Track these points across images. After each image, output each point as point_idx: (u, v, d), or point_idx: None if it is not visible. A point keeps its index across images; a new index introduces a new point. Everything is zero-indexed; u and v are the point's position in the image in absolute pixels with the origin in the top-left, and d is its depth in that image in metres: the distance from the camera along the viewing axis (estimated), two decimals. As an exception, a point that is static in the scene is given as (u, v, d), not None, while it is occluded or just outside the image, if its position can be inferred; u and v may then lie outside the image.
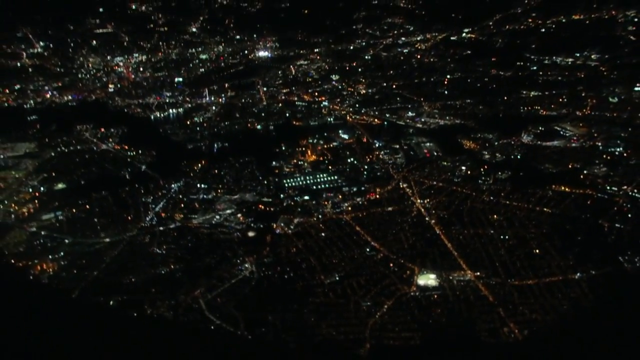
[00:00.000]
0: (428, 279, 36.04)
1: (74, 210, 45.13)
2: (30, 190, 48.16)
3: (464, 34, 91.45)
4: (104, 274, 39.06)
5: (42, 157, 53.62)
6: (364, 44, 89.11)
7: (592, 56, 75.31)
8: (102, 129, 59.62)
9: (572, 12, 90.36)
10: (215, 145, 57.51)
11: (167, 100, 68.33)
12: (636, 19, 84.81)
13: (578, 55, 76.11)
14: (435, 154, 53.46)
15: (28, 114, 63.09)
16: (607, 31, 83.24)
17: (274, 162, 52.87)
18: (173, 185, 48.73)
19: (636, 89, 64.00)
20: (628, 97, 62.81)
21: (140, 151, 55.05)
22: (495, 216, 42.04)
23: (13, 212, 45.13)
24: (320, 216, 44.11)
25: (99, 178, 50.55)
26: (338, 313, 33.84)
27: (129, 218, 44.51)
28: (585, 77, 69.88)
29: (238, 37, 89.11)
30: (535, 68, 74.98)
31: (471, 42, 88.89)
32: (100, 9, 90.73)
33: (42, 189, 48.55)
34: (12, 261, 40.20)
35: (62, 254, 40.67)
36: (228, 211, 45.42)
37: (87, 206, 45.75)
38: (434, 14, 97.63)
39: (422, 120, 61.78)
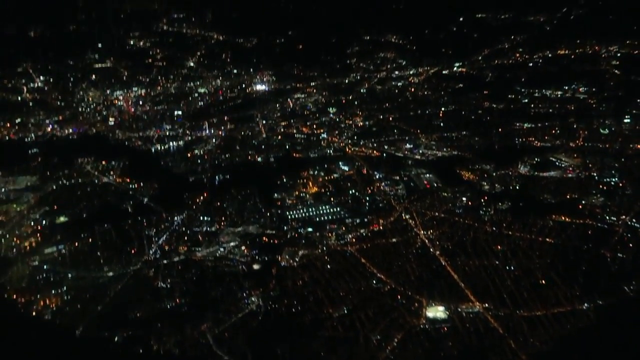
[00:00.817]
0: (437, 311, 36.20)
1: (77, 244, 44.92)
2: (32, 223, 47.82)
3: (455, 68, 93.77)
4: (108, 308, 38.88)
5: (43, 190, 53.25)
6: (358, 77, 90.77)
7: (580, 89, 77.48)
8: (104, 162, 59.51)
9: (556, 47, 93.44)
10: (217, 177, 57.68)
11: (168, 133, 68.62)
12: (619, 54, 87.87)
13: (566, 88, 78.26)
14: (435, 185, 54.21)
15: (29, 147, 62.84)
16: (592, 65, 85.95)
17: (276, 194, 53.10)
18: (176, 218, 48.70)
19: (625, 120, 65.95)
20: (618, 129, 64.55)
21: (142, 184, 54.97)
22: (499, 247, 42.62)
23: (15, 246, 44.75)
24: (324, 248, 44.33)
25: (101, 211, 50.34)
26: (348, 347, 33.87)
27: (132, 251, 44.33)
28: (575, 109, 71.73)
29: (235, 71, 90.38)
30: (526, 101, 76.79)
31: (462, 75, 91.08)
32: (100, 45, 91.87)
33: (44, 222, 48.23)
34: (15, 296, 39.84)
35: (65, 288, 40.44)
36: (232, 244, 45.48)
37: (90, 239, 45.53)
38: (424, 49, 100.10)
39: (420, 151, 62.76)
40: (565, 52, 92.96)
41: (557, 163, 57.45)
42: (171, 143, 66.88)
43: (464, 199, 50.74)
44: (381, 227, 47.05)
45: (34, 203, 50.95)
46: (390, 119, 73.04)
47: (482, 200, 50.14)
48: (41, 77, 79.89)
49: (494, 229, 45.16)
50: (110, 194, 53.88)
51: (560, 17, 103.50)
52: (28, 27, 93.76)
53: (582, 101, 74.40)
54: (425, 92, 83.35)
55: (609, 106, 70.62)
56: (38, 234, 46.42)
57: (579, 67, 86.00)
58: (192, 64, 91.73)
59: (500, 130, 67.19)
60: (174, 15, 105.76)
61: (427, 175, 56.52)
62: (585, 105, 72.68)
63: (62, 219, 49.08)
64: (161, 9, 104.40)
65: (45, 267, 42.49)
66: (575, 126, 66.20)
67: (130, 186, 55.23)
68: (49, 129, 68.03)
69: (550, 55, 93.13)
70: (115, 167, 59.25)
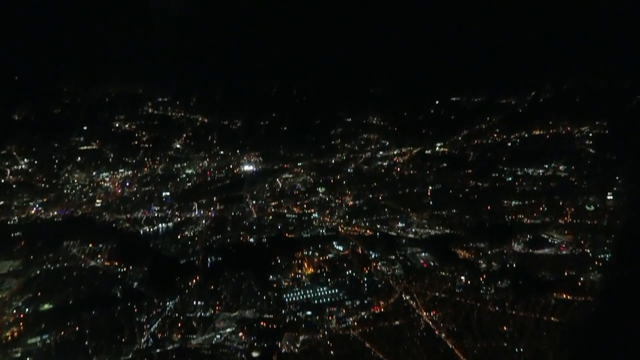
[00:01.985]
0: (452, 398, 34.58)
1: (63, 333, 42.19)
2: (14, 311, 44.99)
3: (437, 148, 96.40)
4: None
5: (27, 275, 50.57)
6: (344, 157, 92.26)
7: (560, 167, 79.97)
8: (91, 245, 57.35)
9: (531, 128, 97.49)
10: (209, 259, 56.16)
11: (156, 215, 67.57)
12: (590, 134, 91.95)
13: (547, 167, 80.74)
14: (432, 264, 53.73)
15: (12, 230, 60.73)
16: (568, 145, 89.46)
17: (271, 276, 51.76)
18: (168, 303, 46.65)
19: (608, 197, 67.68)
20: (602, 206, 66.00)
21: (131, 267, 52.96)
22: (504, 327, 41.64)
23: (-5, 337, 41.90)
24: (326, 332, 42.67)
25: (89, 297, 47.74)
26: None
27: (123, 340, 41.82)
28: (559, 187, 73.51)
29: (222, 152, 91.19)
30: (510, 179, 78.63)
31: (445, 155, 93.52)
32: (85, 127, 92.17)
33: (27, 310, 45.45)
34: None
35: (50, 383, 37.73)
36: (228, 330, 43.44)
37: (77, 328, 42.80)
38: (405, 130, 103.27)
39: (413, 230, 62.85)
40: (540, 132, 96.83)
41: (549, 240, 57.95)
42: (160, 224, 65.60)
43: (462, 277, 50.21)
44: (382, 309, 45.86)
45: (16, 289, 48.15)
46: (380, 198, 73.57)
47: (481, 279, 49.71)
48: (25, 160, 78.93)
49: (497, 308, 44.37)
50: (98, 279, 51.59)
51: (530, 100, 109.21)
52: (12, 110, 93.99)
53: (563, 179, 76.48)
54: (411, 172, 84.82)
55: (590, 184, 72.77)
56: (21, 323, 43.50)
57: (555, 146, 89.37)
58: (178, 146, 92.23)
59: (489, 208, 68.18)
60: (159, 99, 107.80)
61: (423, 254, 56.18)
62: (567, 183, 74.58)
63: (46, 306, 46.42)
64: (146, 93, 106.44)
65: (28, 359, 39.58)
66: (561, 203, 67.59)
67: (119, 270, 53.17)
68: (33, 212, 66.17)
69: (526, 135, 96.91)
70: (103, 250, 57.16)
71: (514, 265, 53.00)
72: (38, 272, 52.10)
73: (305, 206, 71.27)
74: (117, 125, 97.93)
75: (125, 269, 53.16)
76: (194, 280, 50.70)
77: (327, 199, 73.99)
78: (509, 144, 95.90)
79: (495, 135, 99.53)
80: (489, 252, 55.62)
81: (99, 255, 55.97)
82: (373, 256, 56.01)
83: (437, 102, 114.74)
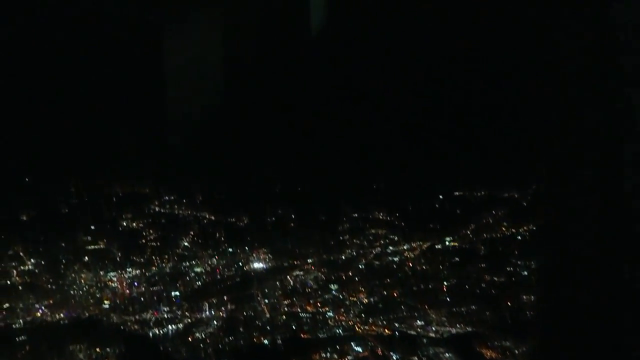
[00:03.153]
0: None
1: None
2: None
3: (447, 242, 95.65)
4: None
5: (30, 384, 48.09)
6: (354, 253, 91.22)
7: (573, 259, 78.90)
8: (98, 349, 54.80)
9: (537, 221, 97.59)
10: (222, 363, 53.80)
11: (165, 316, 65.51)
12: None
13: (560, 259, 79.65)
14: (458, 365, 51.29)
15: (16, 334, 58.40)
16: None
17: (289, 382, 49.17)
18: (181, 413, 43.80)
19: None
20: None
21: (140, 373, 50.55)
22: None
23: None
24: None
25: (95, 408, 45.00)
26: None
27: None
28: (576, 280, 72.14)
29: (230, 249, 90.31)
30: (525, 273, 77.20)
31: (456, 249, 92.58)
32: (92, 227, 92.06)
33: None
34: None
35: None
36: None
37: None
38: (412, 224, 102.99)
39: (433, 328, 60.59)
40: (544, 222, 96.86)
41: (577, 336, 55.70)
42: (170, 326, 63.34)
43: (493, 380, 47.70)
44: (412, 418, 42.95)
45: (18, 400, 45.43)
46: (395, 294, 71.71)
47: (513, 381, 47.21)
48: (32, 260, 77.85)
49: (535, 414, 41.58)
50: (106, 387, 49.02)
51: (532, 192, 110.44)
52: (20, 211, 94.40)
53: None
54: (424, 267, 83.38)
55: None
56: None
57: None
58: (186, 244, 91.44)
59: (508, 303, 66.18)
60: (165, 197, 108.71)
61: (447, 354, 53.63)
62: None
63: (50, 419, 43.44)
64: (152, 192, 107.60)
65: None
66: (582, 297, 65.91)
67: (128, 376, 50.65)
68: (39, 314, 64.08)
69: (534, 228, 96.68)
70: (110, 354, 54.39)
71: (545, 365, 50.51)
72: (42, 380, 49.50)
73: (318, 304, 69.25)
74: (124, 224, 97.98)
75: (134, 375, 50.62)
76: (208, 387, 48.16)
77: (341, 296, 72.07)
78: (519, 237, 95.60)
79: (503, 228, 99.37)
80: (516, 352, 53.23)
81: (107, 360, 53.64)
82: (394, 358, 53.53)
83: (440, 196, 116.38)
